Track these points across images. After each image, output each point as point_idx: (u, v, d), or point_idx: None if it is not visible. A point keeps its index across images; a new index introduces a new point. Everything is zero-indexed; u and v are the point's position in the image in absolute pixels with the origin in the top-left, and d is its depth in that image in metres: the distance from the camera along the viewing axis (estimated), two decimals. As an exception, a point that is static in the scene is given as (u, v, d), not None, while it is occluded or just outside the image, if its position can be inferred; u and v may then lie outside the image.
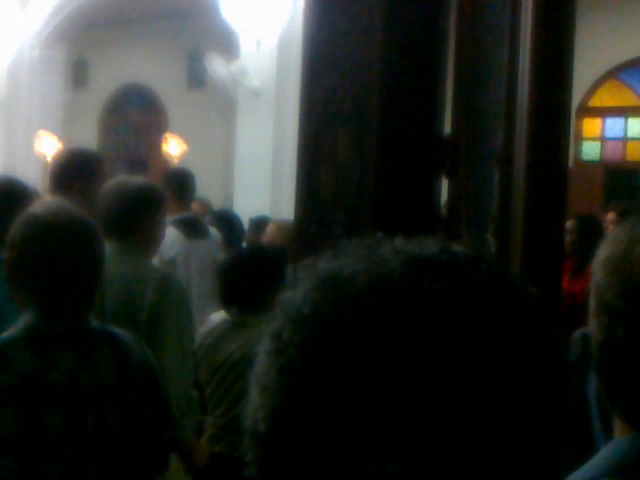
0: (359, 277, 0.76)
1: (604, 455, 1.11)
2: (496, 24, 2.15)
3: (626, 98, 13.56)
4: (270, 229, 6.18)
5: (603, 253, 1.18)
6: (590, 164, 13.76)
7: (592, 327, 1.16)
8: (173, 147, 11.79)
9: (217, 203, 9.94)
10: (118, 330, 2.70)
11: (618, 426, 1.16)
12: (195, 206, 8.12)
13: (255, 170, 11.46)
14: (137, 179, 3.82)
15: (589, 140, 13.89)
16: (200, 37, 14.31)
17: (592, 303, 1.18)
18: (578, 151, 13.76)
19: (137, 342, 2.69)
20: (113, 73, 17.15)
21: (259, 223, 7.16)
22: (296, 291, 0.80)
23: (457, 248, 0.80)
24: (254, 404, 0.79)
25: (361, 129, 2.40)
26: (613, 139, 13.79)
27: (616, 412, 1.15)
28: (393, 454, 0.71)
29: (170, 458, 2.97)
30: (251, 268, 3.96)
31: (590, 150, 13.90)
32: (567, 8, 1.90)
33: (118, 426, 2.51)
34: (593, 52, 12.45)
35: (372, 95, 2.40)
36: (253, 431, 0.79)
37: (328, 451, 0.73)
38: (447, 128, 2.48)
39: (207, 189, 11.31)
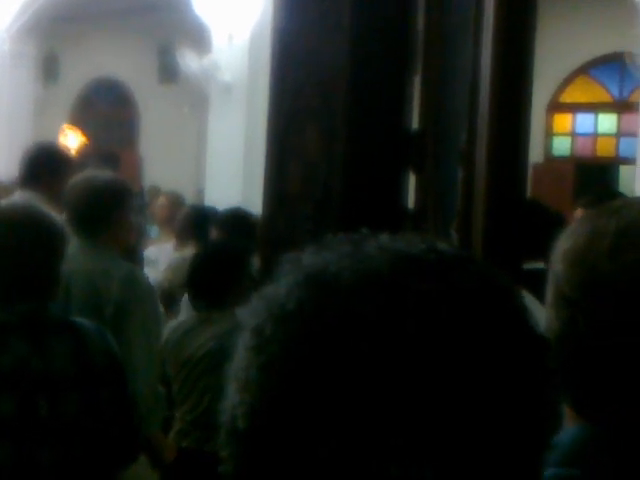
0: (345, 274, 0.75)
1: (553, 445, 1.12)
2: (462, 22, 2.16)
3: (597, 94, 13.66)
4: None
5: (563, 245, 1.17)
6: (561, 159, 13.85)
7: (549, 318, 1.17)
8: (72, 139, 11.61)
9: (188, 198, 9.91)
10: (80, 319, 2.75)
11: (568, 416, 1.17)
12: (162, 200, 8.06)
13: (227, 165, 11.45)
14: (104, 174, 3.79)
15: (560, 135, 13.99)
16: (172, 31, 14.25)
17: (550, 295, 1.18)
18: (549, 146, 13.85)
19: (99, 330, 2.72)
20: (84, 67, 17.06)
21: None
22: (278, 286, 0.77)
23: (443, 246, 0.78)
24: (232, 400, 0.77)
25: (329, 124, 2.40)
26: (583, 135, 13.90)
27: (568, 402, 1.16)
28: (365, 449, 0.70)
29: (138, 450, 2.98)
30: (215, 263, 3.96)
31: (561, 145, 14.00)
32: (528, 7, 1.92)
33: (75, 413, 2.54)
34: (564, 48, 12.52)
35: (340, 91, 2.40)
36: (231, 428, 0.76)
37: (309, 448, 0.72)
38: (415, 124, 2.49)
39: (178, 184, 11.29)
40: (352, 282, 0.74)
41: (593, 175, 13.30)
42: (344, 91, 2.41)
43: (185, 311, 4.68)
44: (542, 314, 1.18)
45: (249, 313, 0.78)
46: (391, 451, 0.70)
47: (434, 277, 0.74)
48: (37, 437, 2.49)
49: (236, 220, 5.65)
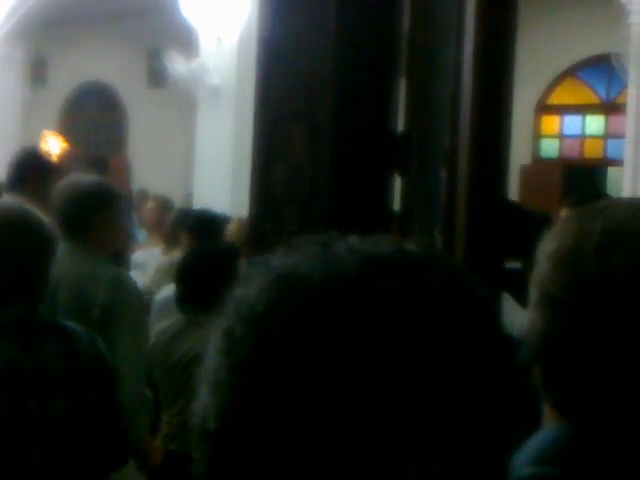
0: (315, 276, 0.75)
1: (532, 444, 1.12)
2: (446, 25, 2.17)
3: (584, 96, 13.69)
4: (231, 226, 6.19)
5: (549, 245, 1.18)
6: (548, 161, 13.88)
7: (533, 317, 1.17)
8: (53, 145, 11.55)
9: (177, 202, 9.90)
10: (69, 323, 2.74)
11: (548, 415, 1.17)
12: (150, 204, 8.05)
13: (215, 168, 11.43)
14: (89, 178, 3.80)
15: (547, 137, 14.02)
16: (160, 35, 14.23)
17: (534, 294, 1.18)
18: (536, 148, 13.88)
19: (89, 335, 2.72)
20: (72, 71, 17.03)
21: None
22: (248, 288, 0.79)
23: (412, 247, 0.79)
24: (203, 402, 0.78)
25: (315, 127, 2.41)
26: (571, 136, 13.93)
27: (549, 401, 1.17)
28: (336, 448, 0.71)
29: (128, 454, 2.98)
30: (203, 266, 3.96)
31: (548, 147, 14.03)
32: (508, 8, 1.93)
33: (65, 415, 2.53)
34: (552, 50, 12.56)
35: (326, 93, 2.41)
36: (202, 429, 0.77)
37: (278, 449, 0.72)
38: (400, 126, 2.49)
39: (167, 187, 11.28)
40: (321, 283, 0.75)
41: (581, 177, 13.32)
42: (330, 94, 2.41)
43: (157, 313, 4.67)
44: (520, 314, 1.19)
45: (221, 315, 0.79)
46: (373, 451, 0.71)
47: (401, 277, 0.75)
48: (27, 438, 2.48)
49: (202, 222, 5.68)
